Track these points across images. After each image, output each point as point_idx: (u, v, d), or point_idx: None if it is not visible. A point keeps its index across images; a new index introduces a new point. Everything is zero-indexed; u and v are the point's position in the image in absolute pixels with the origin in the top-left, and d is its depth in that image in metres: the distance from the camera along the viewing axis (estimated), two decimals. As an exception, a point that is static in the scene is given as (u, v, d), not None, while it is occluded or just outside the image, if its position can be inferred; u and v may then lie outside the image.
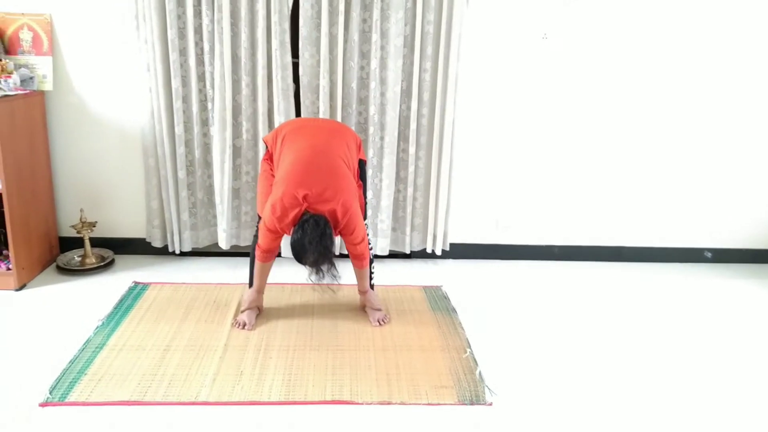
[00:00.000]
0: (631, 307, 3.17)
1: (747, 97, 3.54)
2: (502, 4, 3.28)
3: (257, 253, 2.70)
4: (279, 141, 2.68)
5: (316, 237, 2.40)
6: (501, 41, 3.35)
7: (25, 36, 3.18)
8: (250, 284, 2.87)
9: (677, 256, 3.82)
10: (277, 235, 2.60)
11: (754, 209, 3.77)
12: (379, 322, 2.83)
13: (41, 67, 3.22)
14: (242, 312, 2.82)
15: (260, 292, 2.81)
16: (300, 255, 2.46)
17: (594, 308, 3.14)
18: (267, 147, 2.81)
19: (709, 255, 3.83)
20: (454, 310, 3.00)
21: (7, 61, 3.11)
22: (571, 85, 3.45)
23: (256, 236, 2.76)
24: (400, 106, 3.34)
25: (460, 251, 3.68)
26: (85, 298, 3.01)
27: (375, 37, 3.19)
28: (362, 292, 2.90)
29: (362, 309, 2.95)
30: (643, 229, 3.76)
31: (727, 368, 2.60)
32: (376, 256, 3.42)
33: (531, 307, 3.12)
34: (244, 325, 2.75)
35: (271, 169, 2.72)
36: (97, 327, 2.70)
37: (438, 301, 3.11)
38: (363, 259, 2.75)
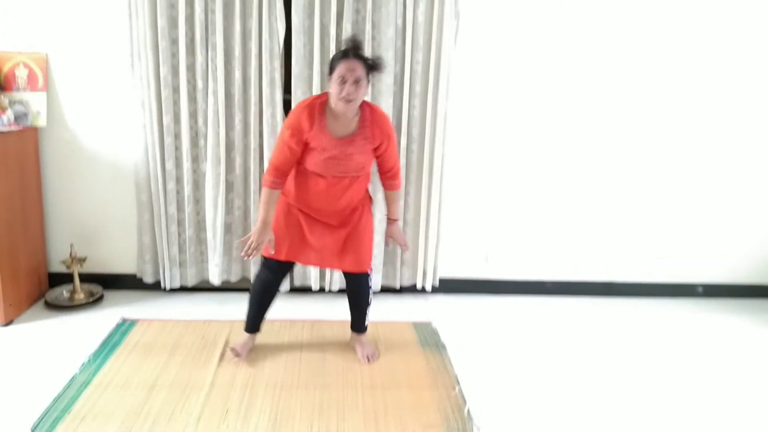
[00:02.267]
0: (623, 343, 3.15)
1: (736, 134, 3.59)
2: (489, 43, 3.35)
3: (266, 176, 2.50)
4: None
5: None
6: (488, 79, 3.40)
7: (21, 73, 3.23)
8: (246, 326, 2.82)
9: (668, 291, 3.82)
10: (295, 141, 2.42)
11: (744, 244, 3.78)
12: (367, 358, 2.81)
13: (36, 103, 3.25)
14: (237, 343, 2.81)
15: (267, 223, 2.51)
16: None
17: (584, 344, 3.12)
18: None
19: (700, 290, 3.83)
20: (443, 347, 2.98)
21: (2, 97, 3.14)
22: (559, 122, 3.49)
23: (260, 268, 2.75)
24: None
25: (450, 286, 3.68)
26: (72, 334, 2.99)
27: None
28: (393, 220, 2.79)
29: (350, 346, 2.92)
30: (633, 265, 3.76)
31: (720, 403, 2.58)
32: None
33: (521, 342, 3.10)
34: (237, 354, 2.74)
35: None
36: (83, 364, 2.67)
37: (427, 337, 3.09)
38: (397, 177, 2.69)
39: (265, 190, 2.51)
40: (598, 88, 3.46)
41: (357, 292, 2.82)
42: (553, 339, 3.17)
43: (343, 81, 2.33)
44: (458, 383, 2.63)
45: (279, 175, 2.48)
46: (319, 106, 2.45)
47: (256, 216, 3.17)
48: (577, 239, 3.69)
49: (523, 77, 3.42)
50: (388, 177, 2.68)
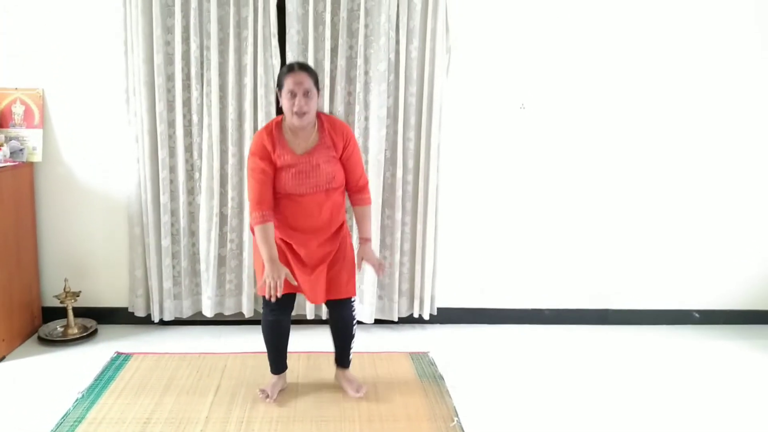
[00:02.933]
0: (621, 372, 3.14)
1: (730, 159, 3.63)
2: (481, 76, 3.42)
3: (252, 215, 2.47)
4: None
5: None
6: (481, 111, 3.46)
7: (17, 110, 3.26)
8: (271, 368, 2.75)
9: (665, 318, 3.82)
10: (266, 164, 2.43)
11: (739, 270, 3.79)
12: (357, 390, 2.73)
13: (31, 139, 3.28)
14: (266, 385, 2.74)
15: (274, 259, 2.43)
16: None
17: (583, 374, 3.11)
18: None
19: (697, 316, 3.83)
20: (441, 377, 2.96)
21: (-2, 133, 3.17)
22: (552, 151, 3.54)
23: (263, 306, 2.64)
24: (384, 173, 3.41)
25: (447, 315, 3.67)
26: (65, 369, 2.96)
27: (358, 108, 3.30)
28: (366, 240, 2.68)
29: (337, 384, 2.83)
30: (630, 292, 3.76)
31: (718, 430, 2.57)
32: (360, 323, 3.39)
33: (518, 372, 3.09)
34: (267, 396, 2.67)
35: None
36: (77, 400, 2.64)
37: (425, 367, 3.08)
38: (364, 189, 2.64)
39: (257, 229, 2.45)
40: (590, 116, 3.52)
41: (342, 320, 2.72)
42: (551, 368, 3.15)
43: (293, 95, 2.38)
44: (456, 414, 2.61)
45: (264, 206, 2.44)
46: (276, 126, 2.50)
47: (249, 254, 3.18)
48: (572, 268, 3.70)
49: (516, 107, 3.47)
50: (355, 190, 2.63)
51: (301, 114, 2.39)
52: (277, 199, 2.50)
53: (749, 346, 3.53)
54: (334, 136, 2.52)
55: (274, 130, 2.48)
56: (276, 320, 2.66)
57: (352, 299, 2.71)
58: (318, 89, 2.47)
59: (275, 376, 2.75)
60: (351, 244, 2.71)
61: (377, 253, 3.46)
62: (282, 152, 2.45)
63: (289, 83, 2.39)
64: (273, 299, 2.38)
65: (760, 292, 3.85)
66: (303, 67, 2.46)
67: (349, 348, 2.79)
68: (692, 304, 3.83)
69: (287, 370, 2.79)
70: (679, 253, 3.74)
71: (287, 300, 2.59)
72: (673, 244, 3.72)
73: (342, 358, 2.81)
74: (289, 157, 2.46)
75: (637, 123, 3.55)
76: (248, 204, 3.24)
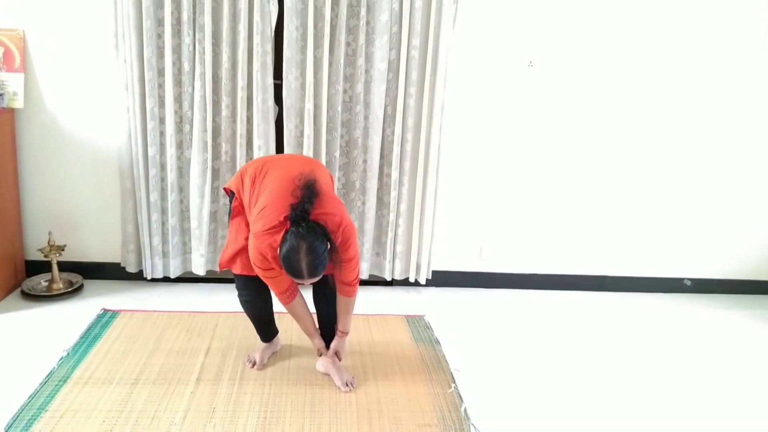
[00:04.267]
0: (618, 338, 3.10)
1: (727, 131, 3.55)
2: (488, 31, 3.26)
3: (280, 299, 2.36)
4: (249, 180, 2.32)
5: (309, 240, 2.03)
6: (487, 67, 3.31)
7: (-4, 51, 3.07)
8: (261, 338, 2.64)
9: (661, 286, 3.78)
10: (270, 268, 2.21)
11: (736, 240, 3.75)
12: (349, 385, 2.46)
13: (12, 83, 3.10)
14: (257, 351, 2.63)
15: (314, 334, 2.48)
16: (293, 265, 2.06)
17: (580, 339, 3.06)
18: (232, 197, 2.42)
19: (688, 283, 3.80)
20: (437, 342, 2.90)
21: (-24, 77, 2.99)
22: (556, 113, 3.42)
23: (239, 289, 2.50)
24: (384, 130, 3.27)
25: (443, 279, 3.60)
26: (50, 326, 2.86)
27: (360, 61, 3.14)
28: (343, 333, 2.52)
29: (319, 370, 2.57)
30: (627, 259, 3.72)
31: (716, 399, 2.54)
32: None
33: (515, 337, 3.04)
34: (254, 363, 2.57)
35: (246, 225, 2.35)
36: (62, 358, 2.55)
37: (421, 331, 3.01)
38: (353, 285, 2.36)
39: (288, 308, 2.39)
40: (595, 85, 3.39)
41: (328, 296, 2.50)
42: (548, 334, 3.11)
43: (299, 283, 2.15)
44: (454, 381, 2.55)
45: (285, 293, 2.32)
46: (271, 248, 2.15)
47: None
48: (570, 233, 3.63)
49: (524, 65, 3.32)
50: (345, 283, 2.36)
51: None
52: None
53: (747, 315, 3.51)
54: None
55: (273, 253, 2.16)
56: (253, 299, 2.51)
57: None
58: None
59: (264, 344, 2.65)
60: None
61: (373, 218, 3.36)
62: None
63: (296, 281, 2.14)
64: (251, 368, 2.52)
65: (758, 262, 3.82)
66: (312, 274, 2.08)
67: (352, 311, 2.50)
68: (690, 272, 3.81)
69: (279, 333, 2.70)
70: (679, 222, 3.69)
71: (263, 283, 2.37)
72: (673, 213, 3.67)
73: (344, 324, 2.51)
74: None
75: (643, 90, 3.43)
76: (246, 153, 3.14)
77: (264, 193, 2.24)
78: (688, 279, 3.80)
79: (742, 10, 3.35)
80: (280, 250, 2.07)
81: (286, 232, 2.07)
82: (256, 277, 2.31)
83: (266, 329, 2.64)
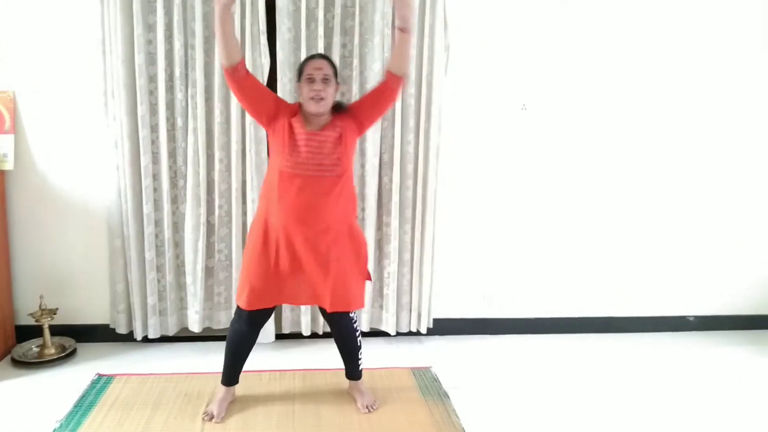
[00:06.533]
0: (629, 381, 3.02)
1: (729, 165, 3.56)
2: (481, 76, 3.27)
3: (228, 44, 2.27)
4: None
5: None
6: (480, 112, 3.32)
7: (-14, 114, 3.03)
8: (223, 379, 2.62)
9: (667, 325, 3.72)
10: (276, 103, 2.42)
11: (745, 275, 3.72)
12: (367, 408, 2.62)
13: (2, 145, 3.05)
14: (212, 402, 2.59)
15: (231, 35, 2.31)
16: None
17: (591, 383, 2.98)
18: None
19: (692, 320, 3.74)
20: (446, 395, 2.80)
21: (-35, 140, 2.94)
22: (553, 154, 3.41)
23: (236, 315, 2.54)
24: (381, 178, 3.24)
25: (445, 327, 3.51)
26: (42, 394, 2.73)
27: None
28: (402, 25, 2.30)
29: (348, 393, 2.74)
30: (632, 299, 3.66)
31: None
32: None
33: (525, 385, 2.95)
34: (212, 417, 2.51)
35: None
36: (55, 430, 2.42)
37: (428, 384, 2.91)
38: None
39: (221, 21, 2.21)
40: (593, 119, 3.40)
41: (342, 335, 2.63)
42: (555, 379, 3.02)
43: (311, 80, 2.32)
44: (465, 436, 2.46)
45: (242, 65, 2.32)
46: (296, 105, 2.44)
47: (238, 266, 3.02)
48: (572, 275, 3.57)
49: (517, 109, 3.33)
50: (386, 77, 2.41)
51: (318, 99, 2.31)
52: (277, 174, 2.35)
53: (756, 351, 3.44)
54: (345, 119, 2.41)
55: (296, 106, 2.43)
56: (247, 331, 2.54)
57: (351, 313, 2.56)
58: (337, 82, 2.41)
59: (224, 389, 2.61)
60: (365, 254, 2.52)
61: (372, 268, 3.30)
62: (294, 121, 2.35)
63: (308, 69, 2.35)
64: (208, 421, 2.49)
65: (763, 296, 3.78)
66: (323, 55, 2.45)
67: (356, 360, 2.68)
68: (696, 310, 3.75)
69: (236, 386, 2.68)
70: (683, 259, 3.65)
71: (262, 316, 2.52)
72: (676, 250, 3.63)
73: (351, 371, 2.70)
74: (299, 125, 2.35)
75: (639, 128, 3.44)
76: (242, 207, 3.09)
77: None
78: (693, 316, 3.75)
79: (741, 17, 3.38)
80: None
81: None
82: (257, 313, 2.46)
83: (236, 369, 2.62)
